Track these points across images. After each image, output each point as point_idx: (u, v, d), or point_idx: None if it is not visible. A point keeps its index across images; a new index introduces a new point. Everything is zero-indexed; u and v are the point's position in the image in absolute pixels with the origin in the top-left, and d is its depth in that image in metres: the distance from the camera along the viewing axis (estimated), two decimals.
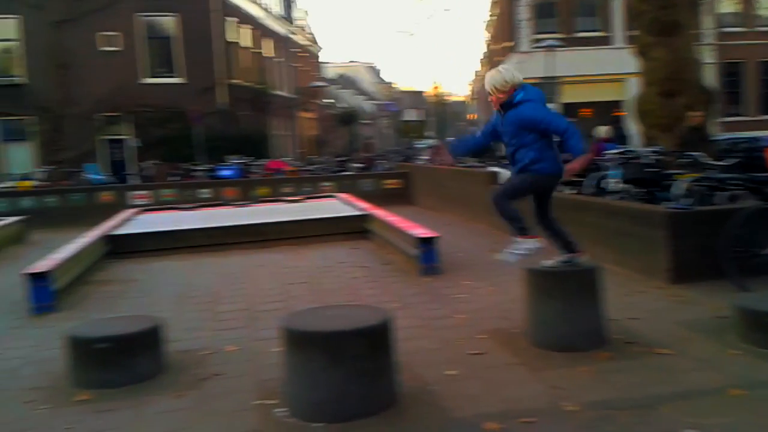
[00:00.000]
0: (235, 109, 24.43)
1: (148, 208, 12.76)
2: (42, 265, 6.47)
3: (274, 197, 14.22)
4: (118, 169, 22.31)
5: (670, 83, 10.29)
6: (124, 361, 4.15)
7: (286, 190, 15.25)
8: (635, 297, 5.72)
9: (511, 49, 26.96)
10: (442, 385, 3.92)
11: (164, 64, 23.77)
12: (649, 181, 8.42)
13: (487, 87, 4.38)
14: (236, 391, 4.00)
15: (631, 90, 19.63)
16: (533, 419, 3.42)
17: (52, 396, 4.07)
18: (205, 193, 15.11)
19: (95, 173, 19.98)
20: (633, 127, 14.63)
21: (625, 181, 8.69)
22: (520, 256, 4.43)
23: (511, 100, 4.29)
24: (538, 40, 24.10)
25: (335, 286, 6.89)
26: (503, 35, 29.53)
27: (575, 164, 4.26)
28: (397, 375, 3.75)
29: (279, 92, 30.85)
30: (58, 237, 9.80)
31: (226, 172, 18.16)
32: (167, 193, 15.03)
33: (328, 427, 3.43)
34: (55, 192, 15.20)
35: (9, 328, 5.78)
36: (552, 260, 4.57)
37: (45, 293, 6.20)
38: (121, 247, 9.08)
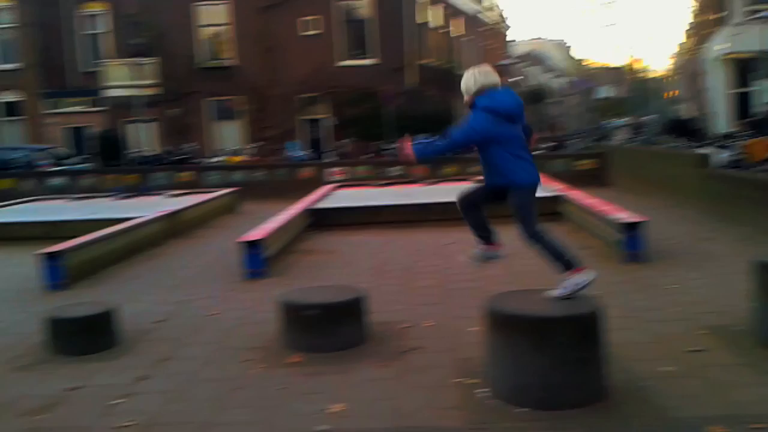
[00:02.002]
0: (423, 89, 24.72)
1: (343, 184, 13.32)
2: (255, 234, 6.96)
3: (462, 176, 14.19)
4: (315, 146, 23.56)
5: None
6: (331, 328, 4.33)
7: (474, 169, 15.13)
8: None
9: (722, 21, 24.49)
10: (656, 382, 3.63)
11: (359, 46, 24.63)
12: None
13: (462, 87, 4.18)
14: (436, 367, 4.01)
15: None
16: (764, 425, 3.06)
17: (265, 357, 4.34)
18: (396, 170, 15.45)
19: (296, 150, 21.26)
20: None
21: None
22: (573, 292, 3.80)
23: (474, 105, 4.08)
24: (754, 11, 21.63)
25: (529, 268, 6.65)
26: (713, 5, 26.89)
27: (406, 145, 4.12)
28: (606, 367, 3.53)
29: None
30: (266, 208, 10.53)
31: None
32: (361, 170, 15.60)
33: (532, 413, 3.32)
34: (262, 167, 16.39)
35: (226, 291, 6.29)
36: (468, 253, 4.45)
37: (257, 260, 6.67)
38: (321, 220, 9.56)
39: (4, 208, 11.79)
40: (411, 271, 6.67)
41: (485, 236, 4.46)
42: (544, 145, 19.73)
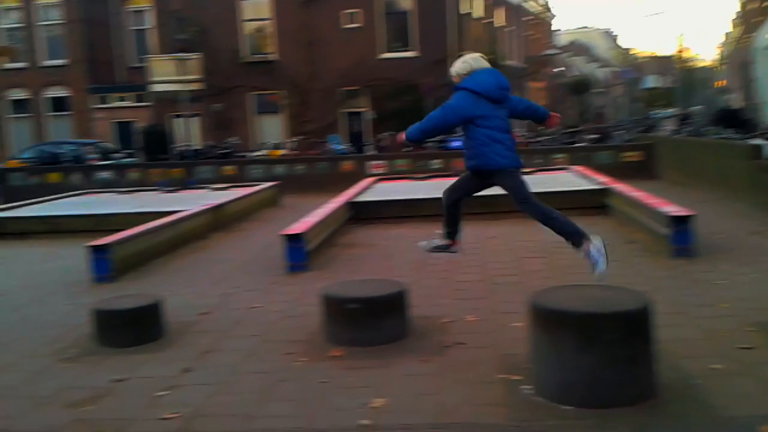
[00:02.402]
0: None
1: (384, 177, 13.31)
2: (297, 228, 6.99)
3: None
4: (356, 140, 23.61)
5: None
6: (373, 322, 4.31)
7: None
8: None
9: None
10: (707, 380, 3.52)
11: (400, 39, 24.55)
12: None
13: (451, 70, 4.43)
14: (479, 363, 3.96)
15: None
16: None
17: (308, 350, 4.35)
18: (436, 163, 15.38)
19: (337, 144, 21.33)
20: None
21: None
22: (602, 260, 4.22)
23: (456, 87, 4.32)
24: None
25: (573, 262, 6.51)
26: None
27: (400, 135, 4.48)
28: (655, 364, 3.44)
29: (508, 62, 30.35)
30: (307, 202, 10.58)
31: (455, 144, 18.29)
32: (401, 164, 15.56)
33: (578, 411, 3.25)
34: (303, 160, 16.49)
35: (268, 284, 6.33)
36: (424, 242, 4.71)
37: (299, 253, 6.70)
38: (361, 214, 9.55)
39: (53, 202, 12.10)
40: (452, 265, 6.60)
41: (452, 233, 4.73)
42: (588, 136, 19.38)
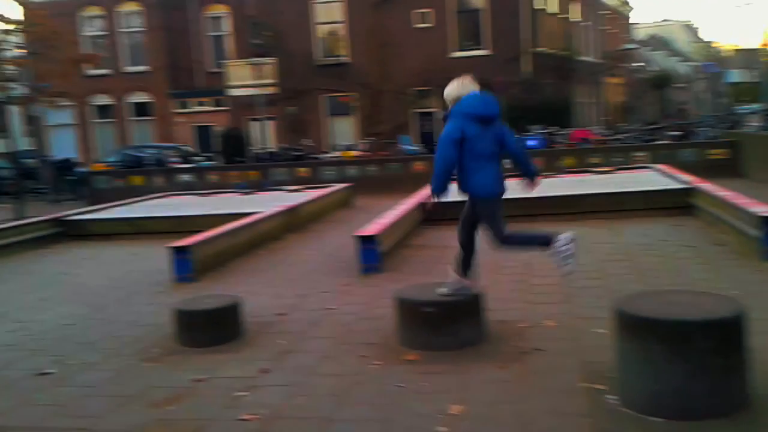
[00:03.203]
0: (538, 78, 24.05)
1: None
2: (370, 229, 6.99)
3: (582, 168, 13.66)
4: (427, 140, 23.51)
5: None
6: (449, 326, 4.24)
7: (594, 160, 14.56)
8: None
9: None
10: None
11: (472, 37, 24.30)
12: None
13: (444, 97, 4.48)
14: (560, 370, 3.83)
15: None
16: None
17: (382, 353, 4.32)
18: (509, 163, 15.10)
19: (408, 144, 21.30)
20: None
21: None
22: (568, 253, 4.33)
23: (448, 113, 4.38)
24: None
25: (658, 266, 6.31)
26: None
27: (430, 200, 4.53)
28: (749, 374, 3.23)
29: (584, 58, 29.61)
30: (379, 203, 10.58)
31: (530, 142, 17.97)
32: None
33: (667, 423, 3.09)
34: (375, 162, 16.54)
35: (342, 286, 6.35)
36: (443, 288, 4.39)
37: (372, 255, 6.69)
38: (434, 215, 9.43)
39: (137, 204, 12.56)
40: (530, 268, 6.45)
41: (469, 270, 4.52)
42: (670, 133, 18.65)
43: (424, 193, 4.44)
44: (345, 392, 3.76)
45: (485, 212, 4.42)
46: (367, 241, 6.74)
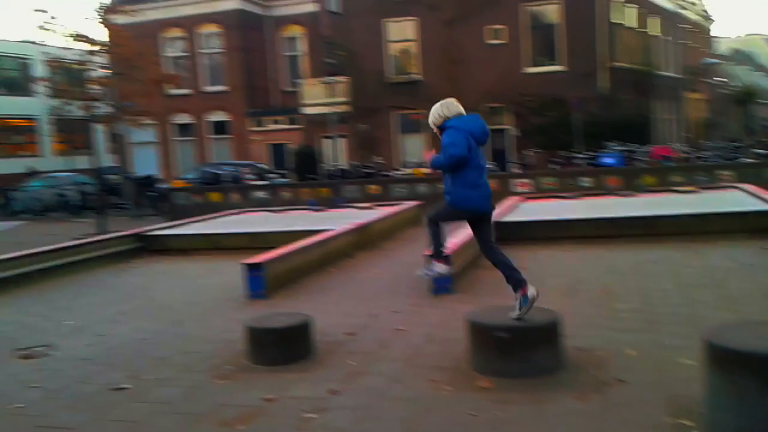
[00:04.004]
0: (615, 93, 23.42)
1: (529, 196, 12.92)
2: None
3: (663, 187, 13.15)
4: (499, 157, 23.23)
5: None
6: (524, 352, 4.09)
7: (676, 179, 14.01)
8: None
9: None
10: None
11: (546, 53, 23.93)
12: None
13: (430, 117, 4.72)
14: (644, 404, 3.61)
15: None
16: None
17: (453, 378, 4.20)
18: (586, 181, 14.73)
19: None
20: None
21: None
22: (429, 276, 5.00)
23: (443, 127, 4.63)
24: None
25: (747, 293, 5.93)
26: None
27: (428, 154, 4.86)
28: None
29: (664, 72, 28.68)
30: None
31: (607, 160, 17.49)
32: (547, 182, 15.06)
33: None
34: None
35: (412, 306, 6.25)
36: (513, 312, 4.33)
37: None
38: (506, 234, 9.25)
39: (213, 220, 12.86)
40: (608, 292, 6.19)
41: (520, 279, 4.51)
42: (756, 151, 17.76)
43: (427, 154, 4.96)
44: (415, 418, 3.66)
45: (452, 214, 4.78)
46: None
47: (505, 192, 14.30)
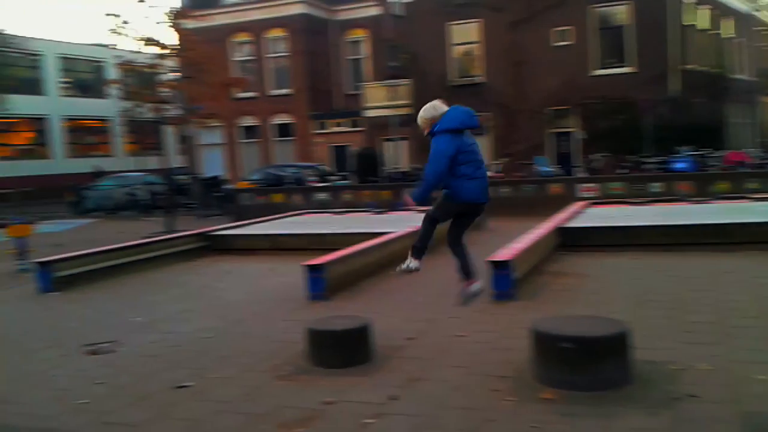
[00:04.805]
0: (687, 97, 22.60)
1: (596, 202, 12.58)
2: (503, 254, 6.75)
3: (737, 194, 12.60)
4: (563, 161, 22.76)
5: None
6: (590, 364, 3.94)
7: (752, 185, 13.38)
8: None
9: None
10: None
11: (614, 54, 23.31)
12: None
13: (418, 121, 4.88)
14: (717, 421, 3.44)
15: None
16: None
17: (516, 388, 4.09)
18: (656, 187, 14.23)
19: (544, 166, 20.71)
20: None
21: None
22: (405, 272, 5.12)
23: (432, 129, 4.78)
24: None
25: None
26: None
27: (407, 198, 4.89)
28: None
29: (738, 76, 27.55)
30: (511, 226, 10.27)
31: (679, 165, 16.87)
32: (615, 187, 14.62)
33: None
34: (508, 183, 16.17)
35: (473, 312, 6.09)
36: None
37: (506, 281, 6.45)
38: (571, 240, 9.04)
39: (276, 221, 13.02)
40: (680, 303, 5.94)
41: (470, 272, 5.14)
42: None
43: (407, 198, 4.98)
44: (475, 429, 3.57)
45: (450, 208, 4.90)
46: (500, 266, 6.51)
47: (570, 197, 13.96)
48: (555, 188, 15.16)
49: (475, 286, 5.15)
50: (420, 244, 5.04)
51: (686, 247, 8.39)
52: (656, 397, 3.79)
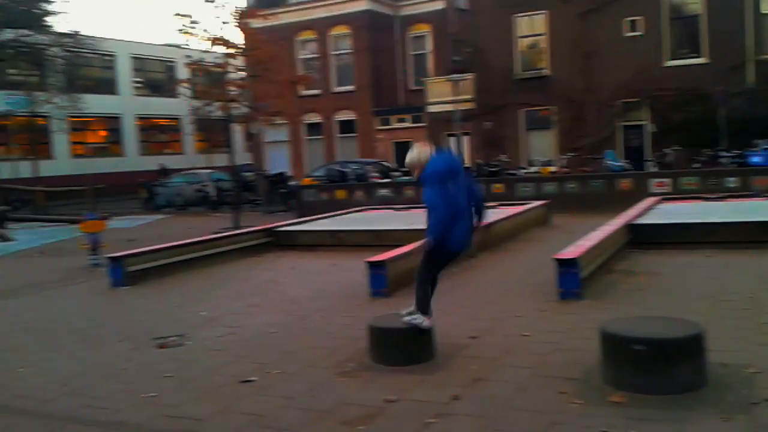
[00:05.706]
0: (764, 88, 21.55)
1: (668, 197, 12.15)
2: (571, 252, 6.57)
3: None
4: (633, 155, 22.07)
5: None
6: (663, 367, 3.78)
7: None
8: None
9: None
10: None
11: (687, 45, 22.45)
12: None
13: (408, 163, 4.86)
14: None
15: None
16: None
17: (583, 391, 3.97)
18: (732, 182, 13.66)
19: (613, 160, 20.14)
20: None
21: None
22: (407, 324, 4.72)
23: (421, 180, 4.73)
24: None
25: None
26: None
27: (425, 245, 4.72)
28: None
29: None
30: (578, 222, 10.05)
31: (756, 159, 16.11)
32: (688, 182, 14.12)
33: None
34: (575, 178, 15.81)
35: (538, 311, 6.01)
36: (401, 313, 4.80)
37: (573, 279, 6.28)
38: (642, 237, 8.75)
39: (339, 217, 13.11)
40: (758, 303, 5.66)
41: (425, 304, 4.82)
42: None
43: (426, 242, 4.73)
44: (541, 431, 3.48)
45: (431, 254, 4.74)
46: (567, 264, 6.34)
47: (642, 192, 13.53)
48: (624, 183, 14.75)
49: (426, 322, 4.72)
50: (422, 306, 4.77)
51: (763, 244, 7.99)
52: (732, 402, 3.62)
